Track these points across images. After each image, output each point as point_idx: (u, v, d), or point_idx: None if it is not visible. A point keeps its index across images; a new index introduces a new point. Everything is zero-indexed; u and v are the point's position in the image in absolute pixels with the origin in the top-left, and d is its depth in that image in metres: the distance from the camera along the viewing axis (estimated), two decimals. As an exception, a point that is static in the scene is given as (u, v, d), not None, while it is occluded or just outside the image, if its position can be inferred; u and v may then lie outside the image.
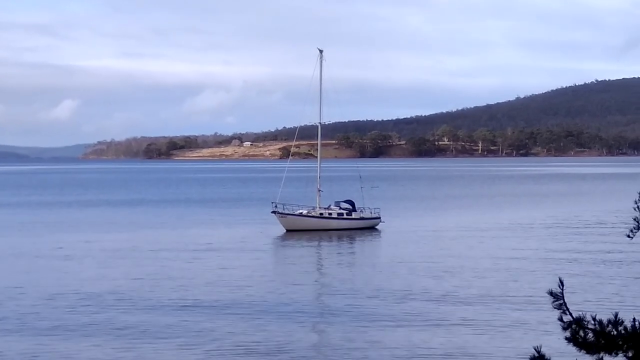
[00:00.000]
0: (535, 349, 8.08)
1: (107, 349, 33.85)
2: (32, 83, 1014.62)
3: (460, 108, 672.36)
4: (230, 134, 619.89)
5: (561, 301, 8.00)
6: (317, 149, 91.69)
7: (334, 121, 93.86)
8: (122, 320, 38.92)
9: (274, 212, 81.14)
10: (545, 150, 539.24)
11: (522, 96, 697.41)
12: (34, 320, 39.51)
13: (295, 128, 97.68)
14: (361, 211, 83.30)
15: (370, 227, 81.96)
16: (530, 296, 43.28)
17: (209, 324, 38.20)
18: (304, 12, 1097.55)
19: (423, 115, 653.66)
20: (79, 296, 45.50)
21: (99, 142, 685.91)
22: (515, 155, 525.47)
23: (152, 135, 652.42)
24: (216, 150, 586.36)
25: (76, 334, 36.53)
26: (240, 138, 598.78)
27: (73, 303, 43.60)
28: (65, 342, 35.02)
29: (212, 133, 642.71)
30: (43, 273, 54.90)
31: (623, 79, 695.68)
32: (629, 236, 8.69)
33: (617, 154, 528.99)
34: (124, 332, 36.66)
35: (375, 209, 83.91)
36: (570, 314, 8.00)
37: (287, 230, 79.42)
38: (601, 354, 7.99)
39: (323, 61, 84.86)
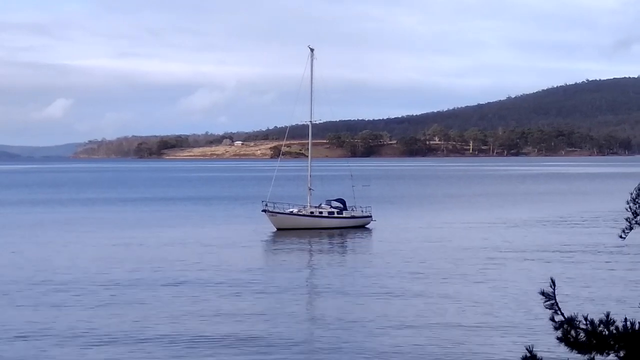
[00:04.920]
0: (527, 349, 8.06)
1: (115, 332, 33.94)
2: (25, 82, 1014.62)
3: (451, 108, 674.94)
4: (221, 133, 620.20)
5: (553, 301, 7.98)
6: (308, 149, 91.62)
7: (325, 120, 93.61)
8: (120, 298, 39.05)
9: (264, 210, 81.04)
10: (536, 150, 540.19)
11: (513, 96, 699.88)
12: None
13: (286, 127, 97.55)
14: (352, 210, 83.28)
15: (361, 226, 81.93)
16: (522, 293, 43.35)
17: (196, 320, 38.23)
18: (298, 12, 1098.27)
19: (414, 114, 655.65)
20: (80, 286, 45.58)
21: (90, 141, 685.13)
22: (506, 155, 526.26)
23: (144, 134, 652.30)
24: (207, 150, 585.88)
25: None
26: (231, 137, 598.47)
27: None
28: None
29: (204, 132, 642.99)
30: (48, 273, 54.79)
31: (614, 78, 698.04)
32: (621, 237, 8.68)
33: (608, 154, 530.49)
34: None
35: (366, 207, 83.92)
36: (562, 314, 7.98)
37: (278, 229, 79.33)
38: (593, 354, 7.97)
39: (314, 60, 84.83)
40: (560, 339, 8.04)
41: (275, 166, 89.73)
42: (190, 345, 34.24)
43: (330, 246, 70.53)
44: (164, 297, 44.88)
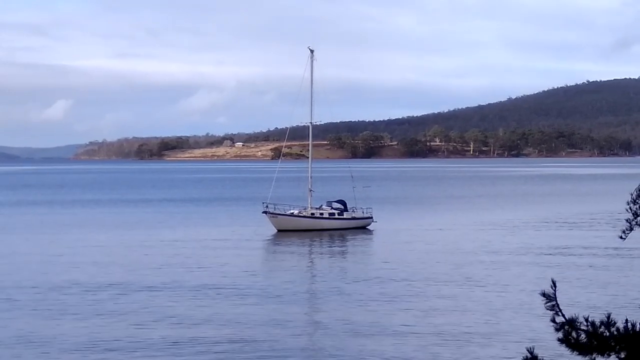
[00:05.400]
0: (528, 350, 8.05)
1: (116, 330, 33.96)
2: (24, 83, 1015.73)
3: (451, 109, 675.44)
4: (222, 134, 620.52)
5: (554, 302, 7.96)
6: (308, 150, 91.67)
7: (325, 122, 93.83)
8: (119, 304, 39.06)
9: (265, 212, 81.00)
10: (536, 151, 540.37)
11: (513, 97, 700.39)
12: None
13: (287, 129, 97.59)
14: (353, 211, 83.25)
15: (362, 227, 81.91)
16: (524, 294, 43.36)
17: (198, 322, 38.24)
18: (297, 12, 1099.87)
19: (415, 115, 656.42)
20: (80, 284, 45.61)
21: (91, 143, 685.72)
22: (507, 156, 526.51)
23: (144, 135, 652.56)
24: (208, 151, 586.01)
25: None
26: (232, 139, 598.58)
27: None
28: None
29: (204, 134, 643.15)
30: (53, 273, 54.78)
31: (614, 79, 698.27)
32: (621, 237, 8.67)
33: (608, 155, 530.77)
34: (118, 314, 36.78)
35: (367, 208, 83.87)
36: (563, 315, 7.97)
37: (279, 231, 79.30)
38: (594, 355, 7.96)
39: (314, 61, 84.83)
40: (561, 340, 8.02)
41: (276, 167, 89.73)
42: (190, 348, 34.20)
43: (331, 248, 70.52)
44: (163, 300, 44.84)
